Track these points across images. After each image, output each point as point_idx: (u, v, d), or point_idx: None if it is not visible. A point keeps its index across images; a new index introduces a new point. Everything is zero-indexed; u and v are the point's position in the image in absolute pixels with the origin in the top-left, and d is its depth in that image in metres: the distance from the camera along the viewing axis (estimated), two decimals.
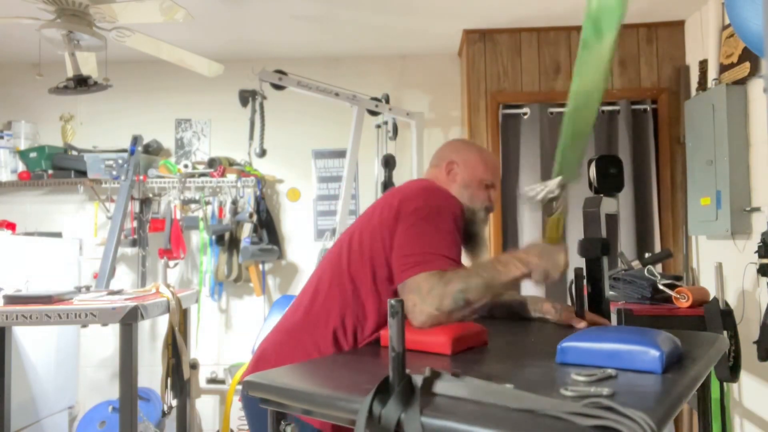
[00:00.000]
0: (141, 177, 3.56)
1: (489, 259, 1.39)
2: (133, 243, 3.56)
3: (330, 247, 1.53)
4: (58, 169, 3.65)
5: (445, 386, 0.86)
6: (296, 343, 1.36)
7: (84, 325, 3.27)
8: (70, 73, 2.52)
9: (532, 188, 1.43)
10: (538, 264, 1.32)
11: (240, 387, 1.06)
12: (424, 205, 1.37)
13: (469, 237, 1.52)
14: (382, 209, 1.41)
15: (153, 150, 3.75)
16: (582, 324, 1.46)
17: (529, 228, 3.33)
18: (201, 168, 3.68)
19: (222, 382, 3.66)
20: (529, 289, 3.23)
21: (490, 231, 3.37)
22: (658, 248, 3.27)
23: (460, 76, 3.77)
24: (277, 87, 3.11)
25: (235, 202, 3.65)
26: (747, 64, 2.64)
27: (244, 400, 1.47)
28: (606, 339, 1.04)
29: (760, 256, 2.22)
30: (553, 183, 1.40)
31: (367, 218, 1.46)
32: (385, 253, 1.35)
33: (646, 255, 2.65)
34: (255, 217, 3.57)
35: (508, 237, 3.42)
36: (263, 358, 1.38)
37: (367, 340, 1.34)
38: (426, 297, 1.24)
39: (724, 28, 2.84)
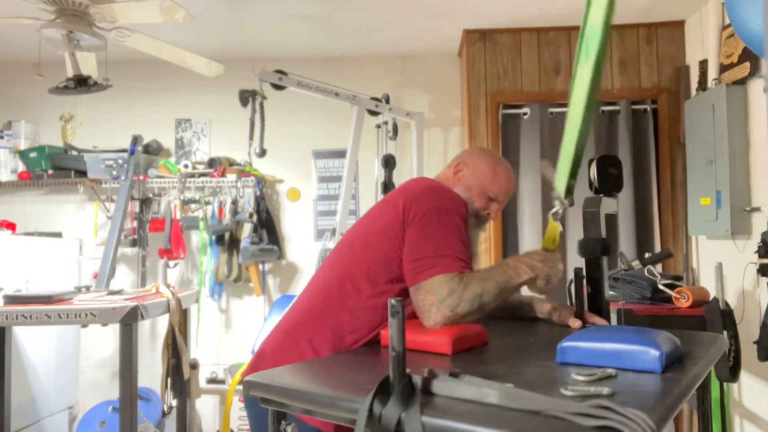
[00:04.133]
0: (141, 177, 3.56)
1: (498, 264, 1.41)
2: (133, 243, 3.56)
3: (331, 249, 1.53)
4: (58, 169, 3.65)
5: (445, 386, 0.86)
6: (294, 343, 1.36)
7: (84, 325, 3.27)
8: (70, 73, 2.52)
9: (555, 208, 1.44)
10: (543, 269, 1.36)
11: (240, 387, 1.06)
12: (433, 206, 1.37)
13: None
14: (387, 211, 1.41)
15: (153, 150, 3.75)
16: (577, 324, 1.47)
17: (529, 232, 3.33)
18: (201, 168, 3.68)
19: (222, 382, 3.66)
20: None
21: (490, 235, 3.37)
22: (658, 248, 3.27)
23: (460, 76, 3.78)
24: (277, 87, 3.12)
25: (235, 202, 3.65)
26: (747, 64, 2.64)
27: (246, 400, 1.47)
28: (606, 339, 1.04)
29: (760, 256, 2.22)
30: (560, 199, 1.43)
31: (370, 220, 1.46)
32: (392, 256, 1.35)
33: (646, 255, 2.65)
34: (255, 217, 3.57)
35: (508, 241, 3.43)
36: (262, 359, 1.39)
37: (366, 339, 1.34)
38: (445, 299, 1.25)
39: (724, 28, 2.84)
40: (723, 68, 2.83)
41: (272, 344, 1.42)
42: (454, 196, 1.45)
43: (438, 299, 1.26)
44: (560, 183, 1.37)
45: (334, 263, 1.46)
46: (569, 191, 1.37)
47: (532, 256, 1.39)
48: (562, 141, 1.32)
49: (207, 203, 3.69)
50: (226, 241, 3.65)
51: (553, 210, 1.41)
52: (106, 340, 3.70)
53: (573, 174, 1.34)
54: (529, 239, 3.33)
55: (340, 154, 3.73)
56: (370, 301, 1.35)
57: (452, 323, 1.26)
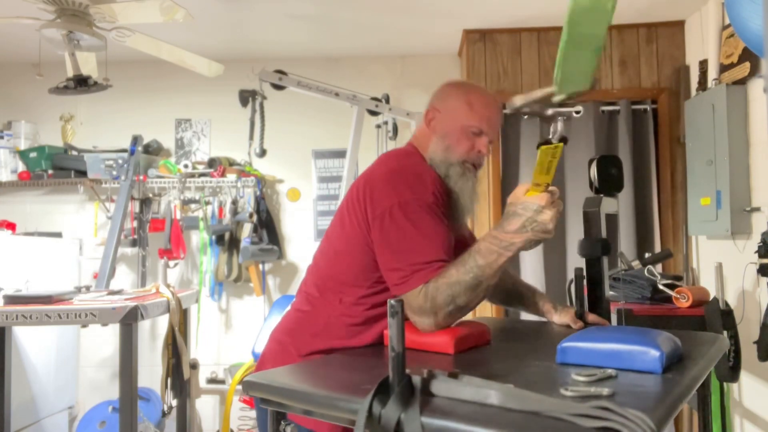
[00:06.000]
0: (141, 177, 3.56)
1: (470, 253, 1.22)
2: (133, 243, 3.56)
3: (314, 254, 1.49)
4: (58, 169, 3.65)
5: (444, 386, 0.86)
6: (285, 353, 1.36)
7: (84, 325, 3.27)
8: (70, 73, 2.52)
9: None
10: (525, 240, 1.18)
11: (241, 387, 1.06)
12: (392, 203, 1.25)
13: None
14: (353, 208, 1.33)
15: (153, 150, 3.75)
16: (578, 325, 1.46)
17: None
18: (201, 168, 3.68)
19: (222, 382, 3.66)
20: (529, 278, 3.22)
21: (490, 226, 3.35)
22: (658, 248, 3.27)
23: (460, 76, 3.77)
24: (277, 87, 3.11)
25: (235, 202, 3.65)
26: (747, 64, 2.64)
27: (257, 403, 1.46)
28: (606, 339, 1.04)
29: (760, 256, 2.21)
30: (540, 92, 1.11)
31: (339, 224, 1.39)
32: (364, 260, 1.31)
33: (646, 255, 2.65)
34: (255, 217, 3.57)
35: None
36: (261, 368, 1.39)
37: (353, 344, 1.33)
38: (420, 317, 1.22)
39: (724, 28, 2.84)
40: (723, 68, 2.83)
41: (268, 353, 1.42)
42: (417, 179, 1.30)
43: (417, 321, 1.23)
44: (576, 82, 1.07)
45: (314, 270, 1.43)
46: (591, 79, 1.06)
47: (508, 226, 1.18)
48: (570, 35, 1.05)
49: (207, 203, 3.69)
50: (226, 241, 3.64)
51: (557, 129, 1.08)
52: (106, 340, 3.69)
53: (587, 69, 1.06)
54: None
55: (340, 154, 3.73)
56: (352, 308, 1.33)
57: (445, 327, 1.23)
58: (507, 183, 3.41)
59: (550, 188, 1.16)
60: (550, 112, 1.11)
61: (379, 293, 1.32)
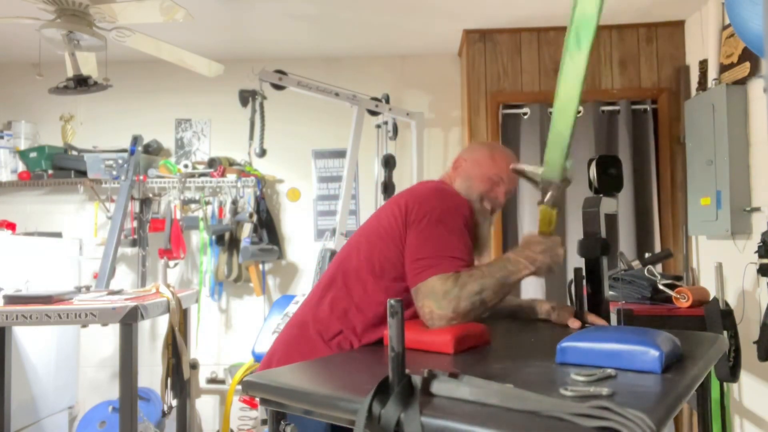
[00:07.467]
0: (141, 177, 3.56)
1: (498, 259, 1.39)
2: (133, 243, 3.56)
3: (334, 249, 1.55)
4: (58, 169, 3.65)
5: (444, 386, 0.86)
6: (304, 336, 1.39)
7: (84, 325, 3.27)
8: (70, 73, 2.52)
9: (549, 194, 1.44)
10: (543, 261, 1.37)
11: (241, 387, 1.06)
12: (434, 207, 1.38)
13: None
14: (392, 211, 1.43)
15: (153, 150, 3.75)
16: (576, 324, 1.47)
17: (529, 227, 3.33)
18: (201, 168, 3.68)
19: (222, 382, 3.66)
20: (528, 290, 3.23)
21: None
22: (658, 248, 3.27)
23: (460, 76, 3.77)
24: (277, 87, 3.11)
25: (235, 202, 3.65)
26: (747, 64, 2.64)
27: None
28: (606, 339, 1.04)
29: (760, 256, 2.22)
30: (537, 169, 1.44)
31: (375, 220, 1.48)
32: (395, 254, 1.37)
33: (646, 255, 2.65)
34: (255, 217, 3.57)
35: (509, 235, 3.43)
36: (274, 355, 1.41)
37: (374, 336, 1.35)
38: (441, 300, 1.26)
39: (724, 28, 2.84)
40: (723, 68, 2.83)
41: (283, 340, 1.45)
42: (458, 198, 1.47)
43: (435, 305, 1.27)
44: (552, 169, 1.39)
45: (342, 261, 1.47)
46: (563, 172, 1.39)
47: (532, 248, 1.39)
48: (551, 130, 1.34)
49: (207, 203, 3.69)
50: (226, 241, 3.64)
51: (547, 197, 1.41)
52: (106, 340, 3.69)
53: (566, 156, 1.37)
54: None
55: (340, 154, 3.73)
56: (375, 296, 1.36)
57: (456, 323, 1.26)
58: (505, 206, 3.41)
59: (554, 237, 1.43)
60: (541, 184, 1.43)
61: (401, 292, 1.35)
